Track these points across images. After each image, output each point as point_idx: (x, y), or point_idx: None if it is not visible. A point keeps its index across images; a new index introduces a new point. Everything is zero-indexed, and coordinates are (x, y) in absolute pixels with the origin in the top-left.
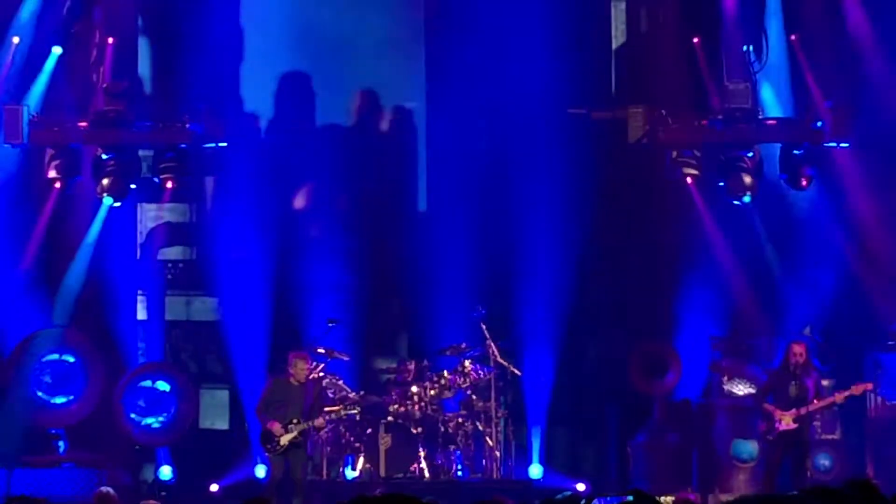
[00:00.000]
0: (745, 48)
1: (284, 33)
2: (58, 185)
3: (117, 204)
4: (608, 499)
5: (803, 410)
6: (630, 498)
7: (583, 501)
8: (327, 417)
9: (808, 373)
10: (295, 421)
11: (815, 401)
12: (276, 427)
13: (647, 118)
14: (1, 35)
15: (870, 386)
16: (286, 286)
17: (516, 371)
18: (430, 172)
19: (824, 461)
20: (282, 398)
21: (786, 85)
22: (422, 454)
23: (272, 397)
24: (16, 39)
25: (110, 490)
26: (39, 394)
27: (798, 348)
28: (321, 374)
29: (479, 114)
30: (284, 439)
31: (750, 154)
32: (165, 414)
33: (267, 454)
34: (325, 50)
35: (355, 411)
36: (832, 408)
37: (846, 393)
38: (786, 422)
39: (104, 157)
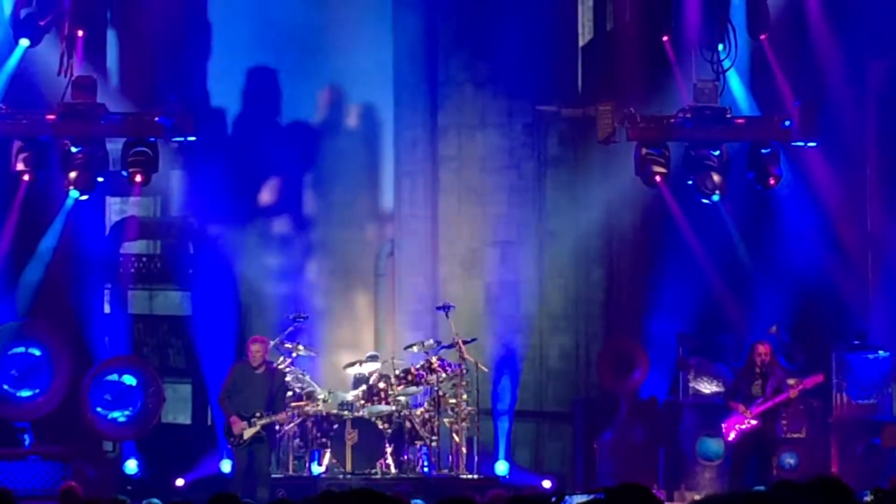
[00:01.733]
0: (713, 47)
1: (252, 28)
2: (26, 177)
3: (84, 197)
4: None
5: (761, 407)
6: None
7: (553, 499)
8: (289, 412)
9: (773, 372)
10: (258, 414)
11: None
12: (238, 423)
13: (616, 116)
14: None
15: (821, 378)
16: (252, 281)
17: (483, 367)
18: (397, 168)
19: (790, 459)
20: (242, 385)
21: (754, 84)
22: (388, 450)
23: (233, 384)
24: None
25: (75, 484)
26: (5, 387)
27: (762, 348)
28: (288, 368)
29: (447, 109)
30: (247, 433)
31: (717, 152)
32: (131, 408)
33: (230, 447)
34: (292, 45)
35: (319, 407)
36: (790, 404)
37: (799, 387)
38: (746, 416)
39: (72, 149)
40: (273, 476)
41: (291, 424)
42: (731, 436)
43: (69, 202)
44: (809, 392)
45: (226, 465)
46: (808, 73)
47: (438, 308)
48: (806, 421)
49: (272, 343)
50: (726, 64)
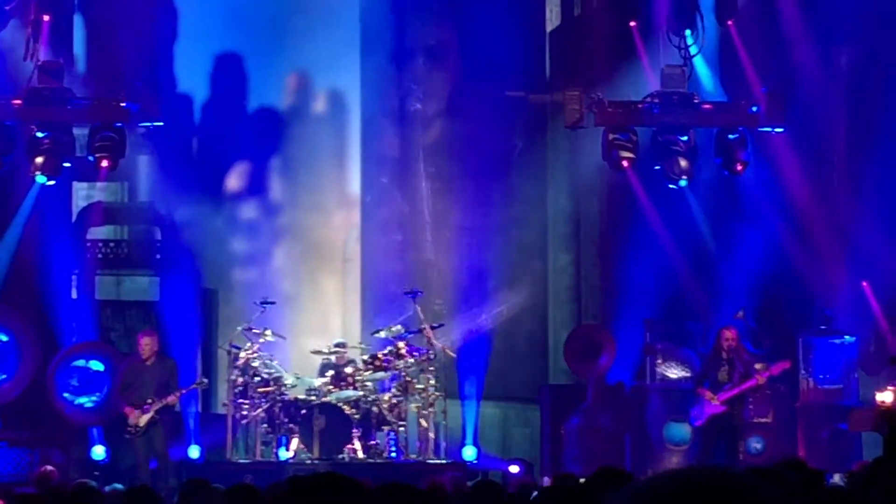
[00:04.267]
0: (681, 32)
1: (218, 13)
2: None
3: (51, 182)
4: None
5: (727, 394)
6: None
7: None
8: (178, 393)
9: (739, 357)
10: (150, 401)
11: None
12: (132, 412)
13: (584, 101)
14: None
15: (788, 364)
16: (219, 266)
17: (451, 352)
18: (364, 153)
19: (756, 444)
20: (133, 377)
21: (722, 70)
22: (356, 435)
23: (126, 380)
24: None
25: (52, 469)
26: None
27: (728, 333)
28: (255, 353)
29: (415, 95)
30: (142, 420)
31: (685, 138)
32: (98, 393)
33: (128, 437)
34: (258, 30)
35: (204, 384)
36: (758, 390)
37: (766, 373)
38: (714, 402)
39: (38, 134)
40: (240, 461)
41: (253, 410)
42: (699, 421)
43: (35, 187)
44: (776, 377)
45: (194, 451)
46: (776, 58)
47: (406, 293)
48: (772, 405)
49: (240, 328)
50: (693, 50)
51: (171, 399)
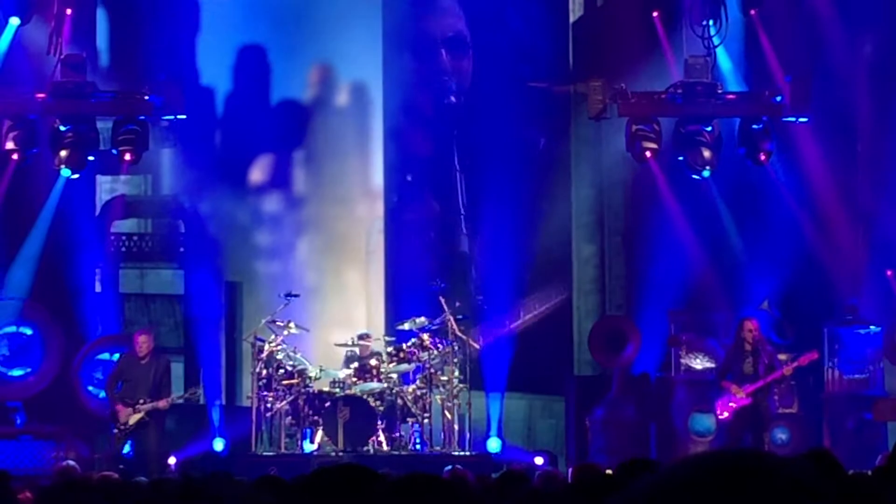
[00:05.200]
0: (704, 22)
1: (241, 5)
2: (15, 156)
3: (75, 176)
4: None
5: (753, 386)
6: None
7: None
8: (170, 399)
9: (762, 348)
10: (141, 401)
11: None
12: (123, 410)
13: (607, 92)
14: None
15: (815, 355)
16: (243, 259)
17: (475, 344)
18: (386, 146)
19: (781, 435)
20: (128, 374)
21: (745, 59)
22: (380, 427)
23: (119, 374)
24: None
25: (73, 463)
26: None
27: (750, 324)
28: (279, 346)
29: (437, 87)
30: (132, 419)
31: (709, 128)
32: None
33: (115, 434)
34: (281, 22)
35: (199, 394)
36: (784, 381)
37: (794, 364)
38: (739, 396)
39: (62, 128)
40: (264, 454)
41: (277, 402)
42: (724, 414)
43: (60, 181)
44: (804, 368)
45: (218, 444)
46: (800, 48)
47: (430, 285)
48: (798, 396)
49: (264, 321)
50: (717, 40)
51: (162, 404)
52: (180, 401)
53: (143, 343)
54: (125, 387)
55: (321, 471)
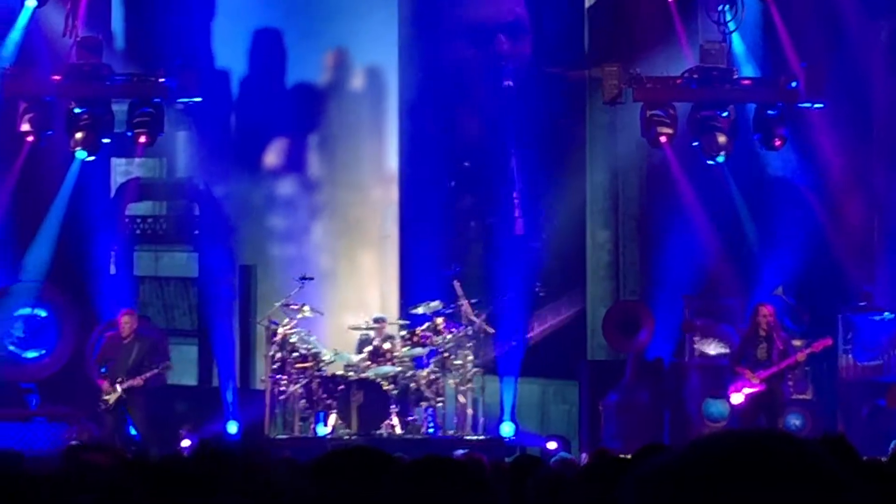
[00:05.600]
0: (720, 8)
1: None
2: (30, 138)
3: (90, 158)
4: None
5: (767, 372)
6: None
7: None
8: (144, 376)
9: (777, 334)
10: (120, 380)
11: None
12: (105, 385)
13: (622, 77)
14: None
15: (829, 342)
16: (257, 243)
17: (489, 328)
18: (402, 130)
19: (795, 421)
20: (112, 354)
21: (761, 45)
22: (394, 411)
23: (104, 354)
24: None
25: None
26: (11, 348)
27: (766, 310)
28: (293, 329)
29: (448, 72)
30: (112, 397)
31: (725, 114)
32: None
33: (101, 410)
34: (297, 6)
35: (169, 367)
36: (797, 367)
37: (808, 350)
38: (753, 381)
39: (77, 110)
40: (278, 437)
41: (291, 386)
42: (738, 399)
43: (76, 164)
44: (818, 355)
45: (232, 427)
46: (817, 33)
47: (444, 270)
48: (812, 382)
49: (278, 304)
50: (732, 26)
51: (136, 381)
52: (152, 376)
53: (125, 323)
54: (110, 366)
55: (335, 453)
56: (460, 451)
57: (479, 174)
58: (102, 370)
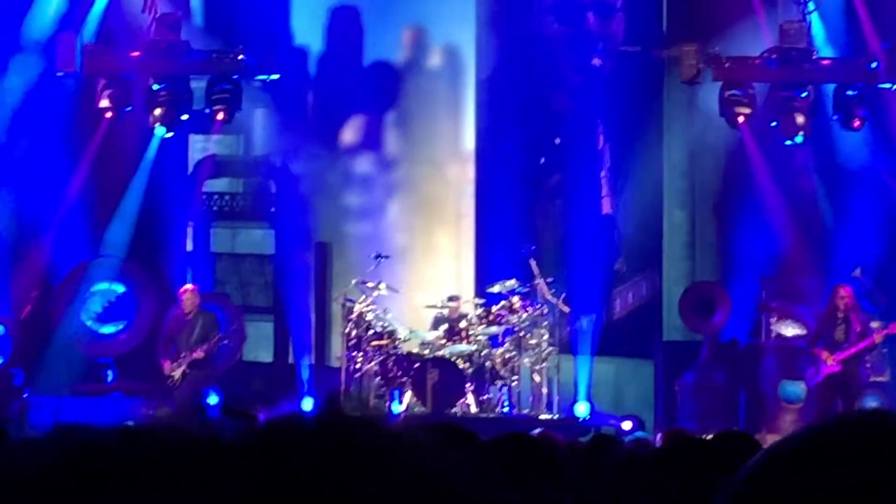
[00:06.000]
0: None
1: None
2: (109, 114)
3: (169, 134)
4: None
5: (844, 353)
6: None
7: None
8: (204, 347)
9: (856, 315)
10: (183, 355)
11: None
12: (167, 364)
13: (701, 56)
14: None
15: None
16: (333, 220)
17: (565, 307)
18: (479, 109)
19: (872, 403)
20: (175, 330)
21: (842, 25)
22: (469, 389)
23: (168, 331)
24: None
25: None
26: (89, 323)
27: (844, 291)
28: (370, 307)
29: (531, 50)
30: (176, 373)
31: (804, 94)
32: None
33: (168, 387)
34: None
35: (222, 338)
36: (874, 349)
37: (884, 332)
38: (829, 363)
39: (155, 87)
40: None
41: (366, 364)
42: (815, 382)
43: (155, 140)
44: (893, 336)
45: (307, 404)
46: None
47: (521, 248)
48: (889, 364)
49: (354, 281)
50: (811, 5)
51: (197, 354)
52: (210, 348)
53: (187, 299)
54: (172, 343)
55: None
56: (536, 431)
57: (566, 153)
58: (169, 349)
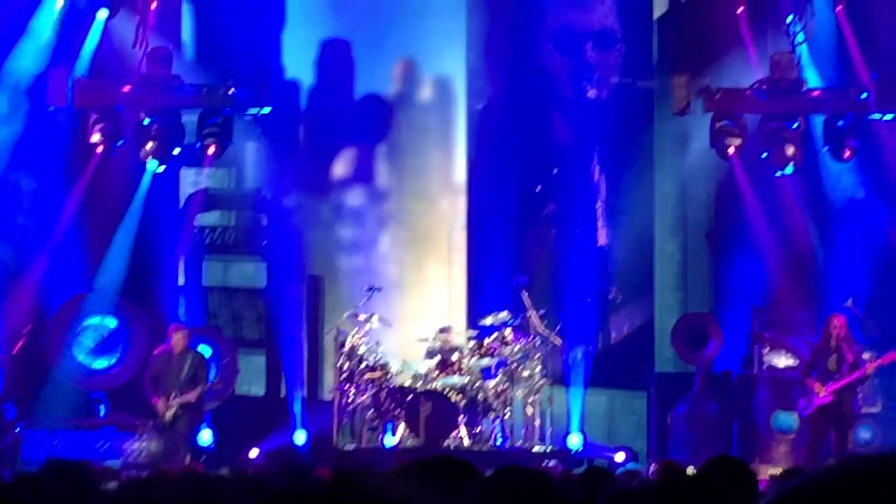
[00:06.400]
0: (789, 18)
1: None
2: (100, 149)
3: (161, 168)
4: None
5: (836, 384)
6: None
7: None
8: (198, 391)
9: (848, 346)
10: (174, 395)
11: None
12: (159, 403)
13: (692, 87)
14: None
15: None
16: (325, 253)
17: (557, 340)
18: (469, 141)
19: (865, 434)
20: (163, 370)
21: (832, 56)
22: (461, 422)
23: (156, 371)
24: (59, 4)
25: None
26: (81, 357)
27: (838, 321)
28: (362, 340)
29: (520, 81)
30: (168, 414)
31: (795, 125)
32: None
33: (159, 427)
34: (365, 17)
35: (218, 385)
36: (867, 379)
37: (877, 362)
38: (821, 394)
39: (147, 121)
40: (345, 448)
41: (359, 396)
42: (807, 412)
43: (147, 174)
44: (886, 367)
45: (300, 437)
46: (888, 44)
47: (512, 280)
48: (882, 395)
49: (346, 314)
50: (800, 37)
51: (189, 396)
52: (204, 393)
53: (177, 339)
54: (160, 382)
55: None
56: (551, 462)
57: (560, 183)
58: (158, 387)
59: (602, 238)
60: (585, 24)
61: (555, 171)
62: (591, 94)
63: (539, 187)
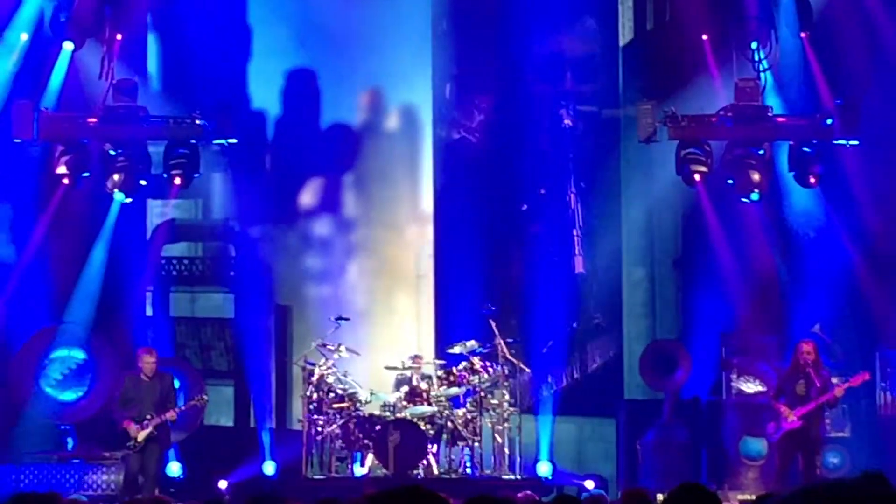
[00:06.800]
0: (754, 45)
1: (291, 30)
2: (66, 180)
3: (128, 200)
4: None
5: (804, 409)
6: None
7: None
8: (178, 409)
9: (817, 371)
10: (149, 416)
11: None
12: (132, 426)
13: (657, 115)
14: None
15: (867, 376)
16: (293, 283)
17: (525, 368)
18: (436, 169)
19: (833, 458)
20: (135, 394)
21: (796, 82)
22: (430, 451)
23: (126, 395)
24: (24, 36)
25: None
26: (48, 390)
27: (807, 346)
28: (330, 369)
29: (487, 110)
30: (141, 436)
31: (760, 151)
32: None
33: (126, 451)
34: (331, 47)
35: (205, 400)
36: (835, 403)
37: (845, 385)
38: (790, 419)
39: (113, 152)
40: (315, 477)
41: (328, 426)
42: (776, 438)
43: (115, 205)
44: (854, 390)
45: (269, 468)
46: (854, 70)
47: (480, 309)
48: (850, 420)
49: (314, 344)
50: (765, 64)
51: (170, 415)
52: (187, 409)
53: (147, 362)
54: (132, 405)
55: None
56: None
57: (533, 210)
58: (130, 411)
59: (579, 266)
60: (567, 51)
61: (542, 191)
62: (567, 123)
63: (525, 206)
